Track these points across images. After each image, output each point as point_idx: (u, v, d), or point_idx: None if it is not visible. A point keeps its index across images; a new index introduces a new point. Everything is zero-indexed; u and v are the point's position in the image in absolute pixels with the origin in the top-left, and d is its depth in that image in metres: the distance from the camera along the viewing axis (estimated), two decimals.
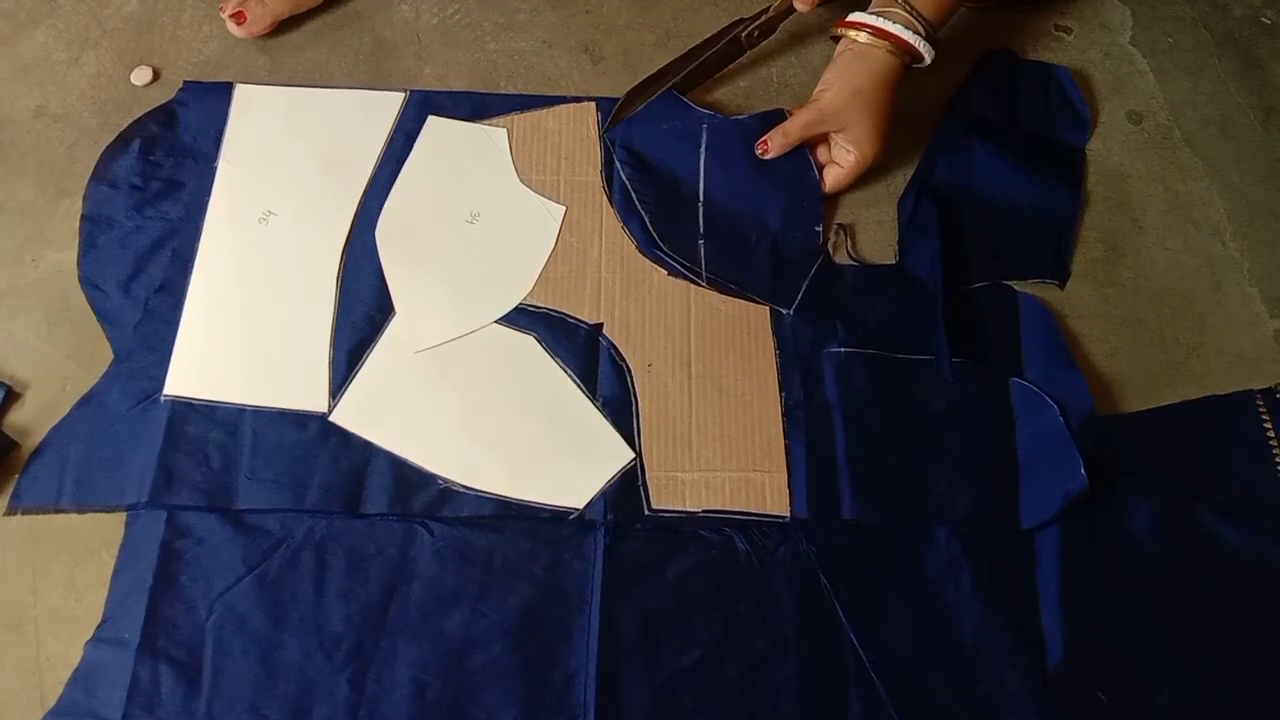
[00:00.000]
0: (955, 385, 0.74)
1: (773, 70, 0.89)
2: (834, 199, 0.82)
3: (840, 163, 0.80)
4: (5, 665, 0.64)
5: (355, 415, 0.72)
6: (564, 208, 0.80)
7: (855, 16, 0.77)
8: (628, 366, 0.74)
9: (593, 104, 0.84)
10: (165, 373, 0.72)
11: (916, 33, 0.75)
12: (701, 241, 0.79)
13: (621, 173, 0.81)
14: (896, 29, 0.75)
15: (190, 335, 0.74)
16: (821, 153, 0.82)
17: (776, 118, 0.82)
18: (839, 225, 0.81)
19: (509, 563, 0.68)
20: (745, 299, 0.77)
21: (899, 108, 0.79)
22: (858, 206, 0.83)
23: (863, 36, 0.76)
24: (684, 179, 0.82)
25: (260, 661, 0.64)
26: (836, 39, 0.79)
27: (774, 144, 0.81)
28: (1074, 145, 0.86)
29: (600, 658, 0.65)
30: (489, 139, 0.83)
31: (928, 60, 0.77)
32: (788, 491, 0.71)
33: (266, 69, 0.86)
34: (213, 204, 0.79)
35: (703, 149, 0.83)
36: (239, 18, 0.84)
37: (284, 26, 0.87)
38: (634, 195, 0.80)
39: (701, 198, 0.81)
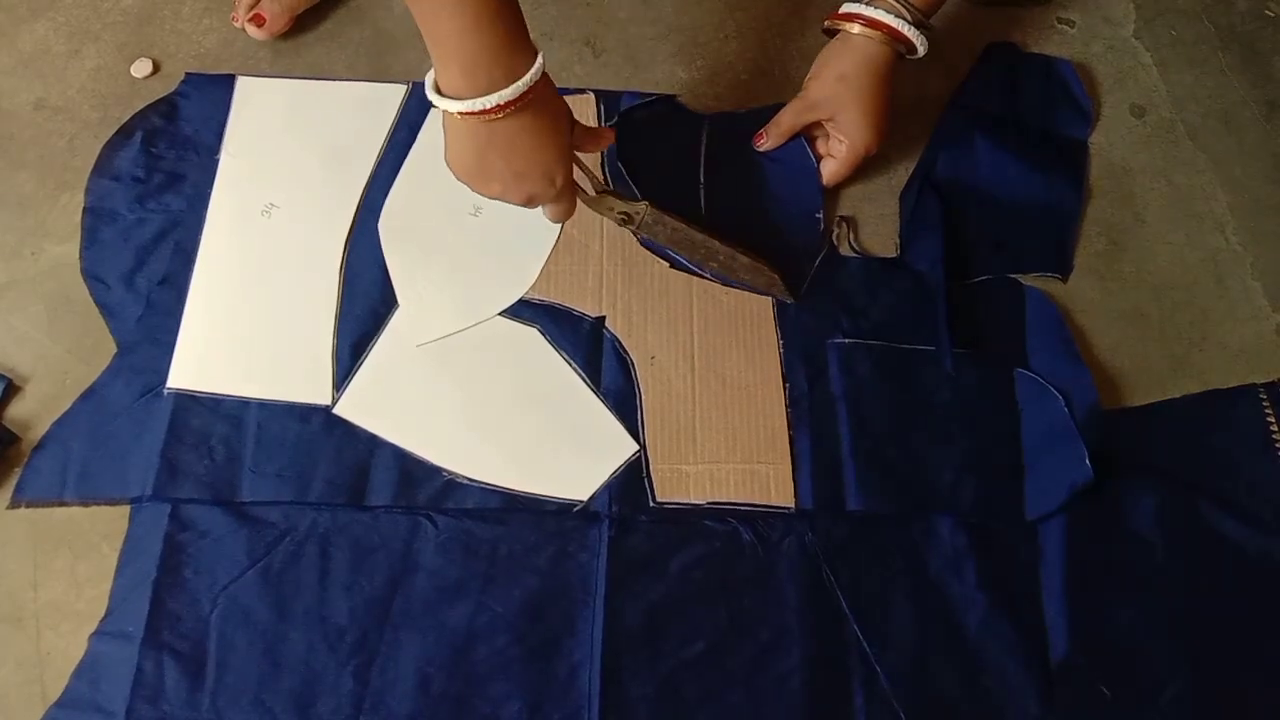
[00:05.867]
0: (960, 376, 0.74)
1: (774, 66, 0.89)
2: (837, 192, 0.82)
3: (834, 154, 0.80)
4: (6, 659, 0.64)
5: (359, 408, 0.72)
6: None
7: (846, 8, 0.77)
8: (631, 359, 0.74)
9: (591, 96, 0.84)
10: (168, 365, 0.72)
11: (904, 19, 0.74)
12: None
13: (621, 166, 0.81)
14: (885, 17, 0.74)
15: (193, 328, 0.73)
16: (820, 145, 0.82)
17: (776, 111, 0.82)
18: (841, 218, 0.81)
19: (513, 555, 0.68)
20: (749, 291, 0.77)
21: (901, 101, 0.79)
22: (860, 200, 0.83)
23: (855, 28, 0.76)
24: (685, 172, 0.82)
25: (264, 654, 0.64)
26: (831, 34, 0.79)
27: (769, 135, 0.81)
28: (1076, 139, 0.86)
29: (604, 649, 0.65)
30: None
31: (920, 50, 0.76)
32: (792, 483, 0.71)
33: (267, 61, 0.86)
34: (215, 196, 0.78)
35: (704, 142, 0.83)
36: (258, 19, 0.83)
37: None
38: (635, 188, 0.80)
39: (702, 183, 0.81)
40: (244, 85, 0.83)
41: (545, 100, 0.62)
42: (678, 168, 0.82)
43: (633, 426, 0.72)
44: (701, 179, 0.82)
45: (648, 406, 0.73)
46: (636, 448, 0.71)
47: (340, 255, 0.77)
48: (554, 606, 0.67)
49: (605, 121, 0.83)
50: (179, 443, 0.69)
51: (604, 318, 0.76)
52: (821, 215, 0.80)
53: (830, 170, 0.80)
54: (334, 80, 0.85)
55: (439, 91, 0.60)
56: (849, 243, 0.80)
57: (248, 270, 0.76)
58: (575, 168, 0.69)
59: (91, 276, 0.75)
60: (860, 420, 0.73)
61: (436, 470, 0.70)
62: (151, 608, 0.65)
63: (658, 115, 0.84)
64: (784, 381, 0.74)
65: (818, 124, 0.81)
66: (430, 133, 0.82)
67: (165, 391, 0.71)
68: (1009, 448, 0.72)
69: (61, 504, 0.68)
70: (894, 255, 0.80)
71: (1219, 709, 0.66)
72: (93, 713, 0.62)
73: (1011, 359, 0.75)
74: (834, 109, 0.78)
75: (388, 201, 0.79)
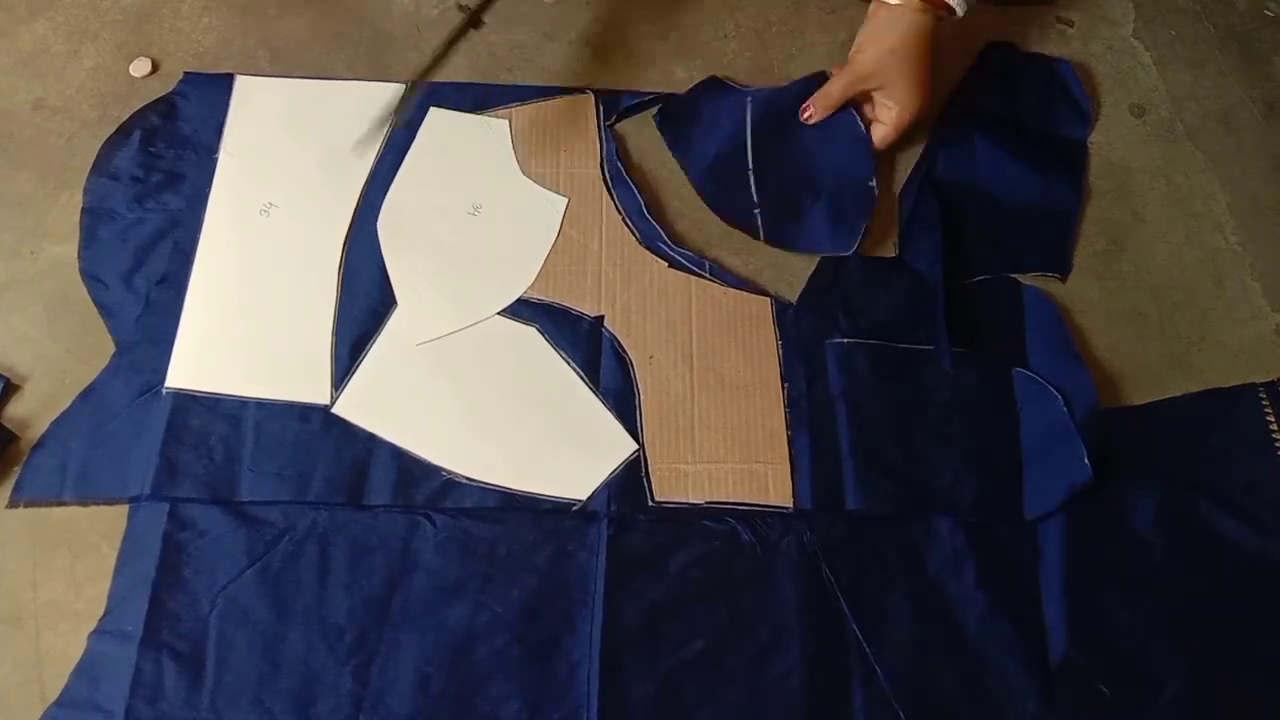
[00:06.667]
0: (959, 376, 0.74)
1: (774, 66, 0.88)
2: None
3: (884, 120, 0.81)
4: (5, 658, 0.64)
5: (358, 407, 0.71)
6: (566, 199, 0.80)
7: None
8: (630, 358, 0.74)
9: (591, 96, 0.84)
10: (167, 365, 0.72)
11: None
12: (757, 211, 0.80)
13: (620, 165, 0.81)
14: None
15: (192, 327, 0.73)
16: (867, 110, 0.83)
17: (819, 81, 0.83)
18: None
19: (512, 554, 0.68)
20: (750, 291, 0.77)
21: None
22: None
23: None
24: (732, 153, 0.82)
25: (264, 654, 0.64)
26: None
27: (817, 108, 0.82)
28: (1076, 138, 0.86)
29: (603, 649, 0.65)
30: (491, 131, 0.82)
31: (959, 10, 0.77)
32: (791, 483, 0.71)
33: (266, 61, 0.86)
34: (214, 196, 0.78)
35: (748, 121, 0.83)
36: None
37: (284, 20, 0.87)
38: (638, 194, 0.80)
39: (751, 167, 0.81)
40: (243, 85, 0.83)
41: None
42: (724, 150, 0.82)
43: (631, 426, 0.72)
44: (750, 162, 0.82)
45: (646, 406, 0.73)
46: (635, 447, 0.71)
47: (339, 255, 0.77)
48: (553, 606, 0.67)
49: (605, 122, 0.83)
50: (178, 442, 0.69)
51: (602, 317, 0.76)
52: (875, 183, 0.80)
53: (880, 135, 0.81)
54: (333, 80, 0.85)
55: None
56: None
57: (246, 270, 0.76)
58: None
59: (90, 276, 0.75)
60: (859, 420, 0.73)
61: (435, 469, 0.70)
62: (150, 607, 0.65)
63: (702, 95, 0.85)
64: (782, 381, 0.74)
65: (863, 92, 0.82)
66: (429, 132, 0.82)
67: (164, 391, 0.71)
68: (1008, 447, 0.72)
69: (60, 503, 0.68)
70: (893, 255, 0.80)
71: (1218, 709, 0.66)
72: (92, 712, 0.62)
73: (1010, 358, 0.75)
74: (884, 80, 0.79)
75: (387, 201, 0.79)
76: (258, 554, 0.67)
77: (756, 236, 0.79)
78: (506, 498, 0.69)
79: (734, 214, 0.80)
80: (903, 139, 0.82)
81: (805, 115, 0.82)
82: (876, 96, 0.81)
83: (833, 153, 0.82)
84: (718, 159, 0.82)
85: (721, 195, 0.81)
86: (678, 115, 0.84)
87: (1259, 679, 0.67)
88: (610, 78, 0.87)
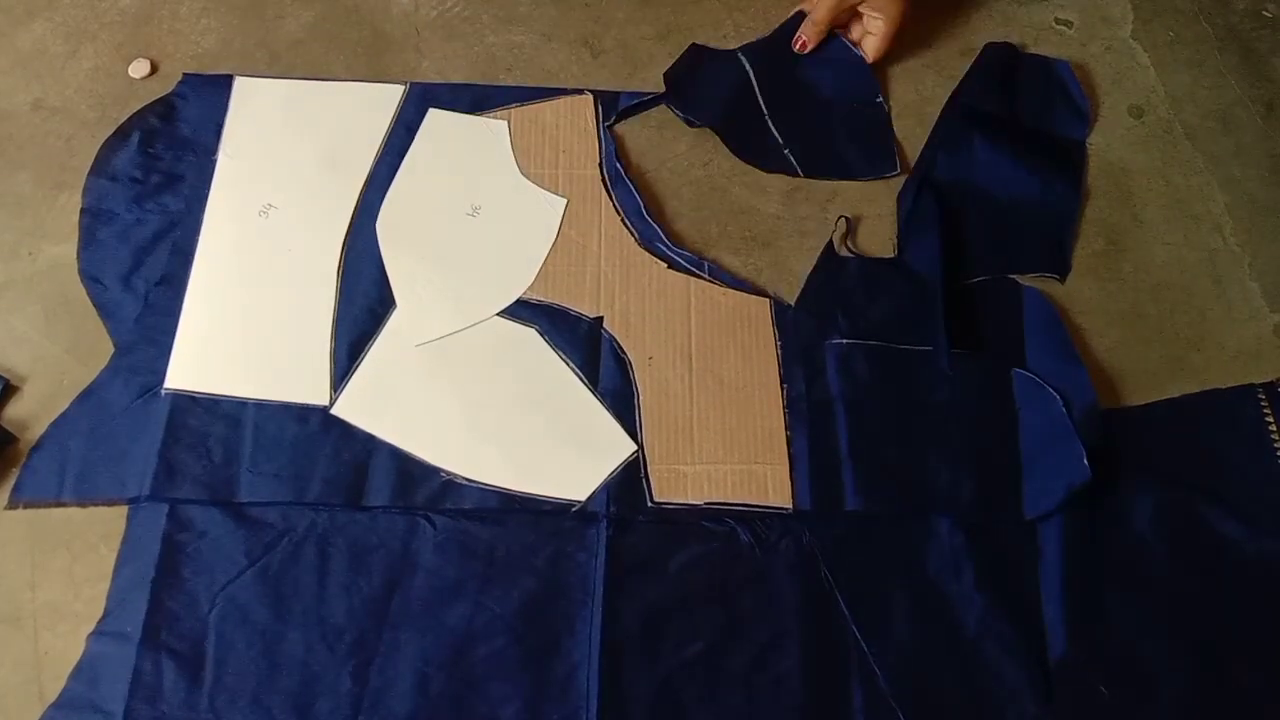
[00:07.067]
0: (958, 376, 0.74)
1: None
2: (834, 189, 0.83)
3: (873, 31, 0.86)
4: (4, 660, 0.64)
5: (357, 408, 0.71)
6: (565, 200, 0.80)
7: None
8: (629, 359, 0.74)
9: (590, 97, 0.84)
10: (166, 366, 0.72)
11: None
12: (786, 151, 0.83)
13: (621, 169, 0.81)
14: None
15: (191, 328, 0.73)
16: (855, 30, 0.87)
17: (801, 19, 0.87)
18: (842, 217, 0.81)
19: (511, 555, 0.68)
20: (749, 292, 0.77)
21: (899, 102, 0.80)
22: (858, 200, 0.83)
23: None
24: (744, 103, 0.85)
25: (263, 654, 0.64)
26: None
27: (808, 37, 0.86)
28: (1074, 139, 0.86)
29: (603, 650, 0.65)
30: (490, 132, 0.82)
31: None
32: (790, 483, 0.71)
33: (265, 62, 0.86)
34: (213, 197, 0.78)
35: (750, 71, 0.86)
36: None
37: (282, 21, 0.87)
38: (638, 195, 0.80)
39: (766, 112, 0.85)
40: (242, 86, 0.83)
41: None
42: (738, 107, 0.85)
43: (630, 427, 0.72)
44: (765, 110, 0.85)
45: (645, 407, 0.73)
46: (634, 448, 0.71)
47: (338, 256, 0.77)
48: (552, 607, 0.67)
49: (604, 122, 0.83)
50: (177, 443, 0.69)
51: (601, 318, 0.76)
52: (882, 100, 0.86)
53: (873, 47, 0.86)
54: (332, 81, 0.85)
55: None
56: (845, 243, 0.80)
57: (245, 271, 0.76)
58: None
59: (89, 277, 0.75)
60: (858, 421, 0.73)
61: (434, 470, 0.70)
62: (149, 608, 0.65)
63: (697, 64, 0.87)
64: (781, 382, 0.74)
65: (848, 11, 0.85)
66: (428, 134, 0.82)
67: (163, 392, 0.71)
68: (1007, 448, 0.72)
69: (59, 504, 0.68)
70: (892, 256, 0.80)
71: (1218, 709, 0.66)
72: (91, 713, 0.62)
73: (1009, 359, 0.75)
74: None
75: (386, 202, 0.79)
76: (257, 555, 0.67)
77: (797, 174, 0.83)
78: (506, 499, 0.69)
79: (766, 159, 0.83)
80: (895, 45, 0.86)
81: (799, 45, 0.86)
82: (861, 10, 0.85)
83: (834, 82, 0.86)
84: (733, 114, 0.84)
85: (748, 145, 0.84)
86: (681, 83, 0.86)
87: (1259, 679, 0.67)
88: (609, 78, 0.87)
